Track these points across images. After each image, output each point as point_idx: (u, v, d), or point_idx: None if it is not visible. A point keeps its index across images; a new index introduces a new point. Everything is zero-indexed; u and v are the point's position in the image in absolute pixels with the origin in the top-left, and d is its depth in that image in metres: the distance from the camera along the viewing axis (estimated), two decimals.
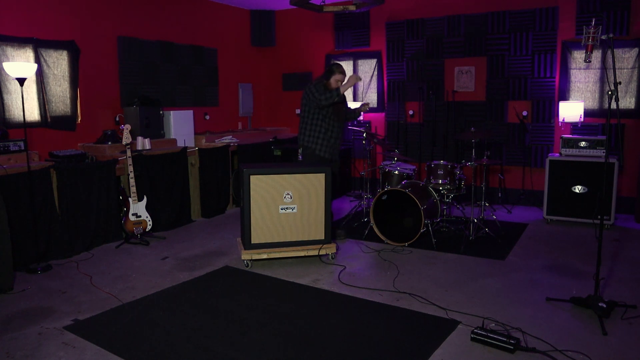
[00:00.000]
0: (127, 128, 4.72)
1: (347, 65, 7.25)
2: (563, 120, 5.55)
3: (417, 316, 3.16)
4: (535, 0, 5.93)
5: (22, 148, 4.38)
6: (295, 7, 6.00)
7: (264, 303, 3.39)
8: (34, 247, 4.16)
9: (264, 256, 4.10)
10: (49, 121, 4.99)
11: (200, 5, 6.75)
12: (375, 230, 4.73)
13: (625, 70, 5.55)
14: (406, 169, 5.10)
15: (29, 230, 4.14)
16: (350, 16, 7.09)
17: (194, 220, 5.75)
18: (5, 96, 4.64)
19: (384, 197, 4.74)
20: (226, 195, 6.20)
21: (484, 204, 5.34)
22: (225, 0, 7.00)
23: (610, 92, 3.00)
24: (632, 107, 5.59)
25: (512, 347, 2.65)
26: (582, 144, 5.22)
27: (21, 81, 4.01)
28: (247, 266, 4.13)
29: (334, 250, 4.27)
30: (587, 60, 3.26)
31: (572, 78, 5.86)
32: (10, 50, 4.64)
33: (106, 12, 5.52)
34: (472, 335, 2.80)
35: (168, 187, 5.38)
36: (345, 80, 4.56)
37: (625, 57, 5.55)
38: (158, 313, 3.24)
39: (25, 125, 4.16)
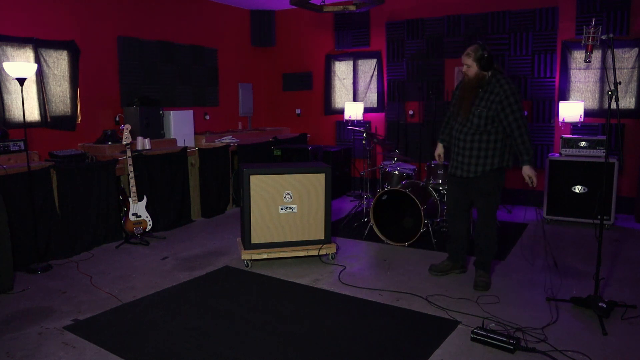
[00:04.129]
0: (127, 128, 4.72)
1: (347, 66, 7.26)
2: (563, 120, 5.55)
3: (417, 316, 3.16)
4: (535, 0, 5.93)
5: (22, 148, 4.38)
6: (295, 7, 6.00)
7: (264, 303, 3.39)
8: (34, 247, 4.16)
9: (264, 256, 4.10)
10: (49, 121, 4.99)
11: (200, 5, 6.75)
12: (375, 230, 4.73)
13: (625, 70, 5.55)
14: (406, 169, 5.09)
15: (29, 230, 4.14)
16: (350, 16, 7.09)
17: (194, 220, 5.75)
18: (5, 96, 4.63)
19: (384, 197, 4.74)
20: (226, 195, 6.20)
21: None
22: (225, 0, 7.00)
23: (610, 92, 3.00)
24: (632, 107, 5.59)
25: (512, 347, 2.65)
26: (582, 144, 5.22)
27: (21, 81, 4.01)
28: (247, 266, 4.12)
29: (334, 250, 4.26)
30: (587, 60, 3.26)
31: (572, 78, 5.86)
32: (10, 50, 4.64)
33: (106, 12, 5.52)
34: (472, 335, 2.80)
35: (168, 187, 5.38)
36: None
37: (625, 57, 5.54)
38: (158, 313, 3.24)
39: (25, 125, 4.16)
